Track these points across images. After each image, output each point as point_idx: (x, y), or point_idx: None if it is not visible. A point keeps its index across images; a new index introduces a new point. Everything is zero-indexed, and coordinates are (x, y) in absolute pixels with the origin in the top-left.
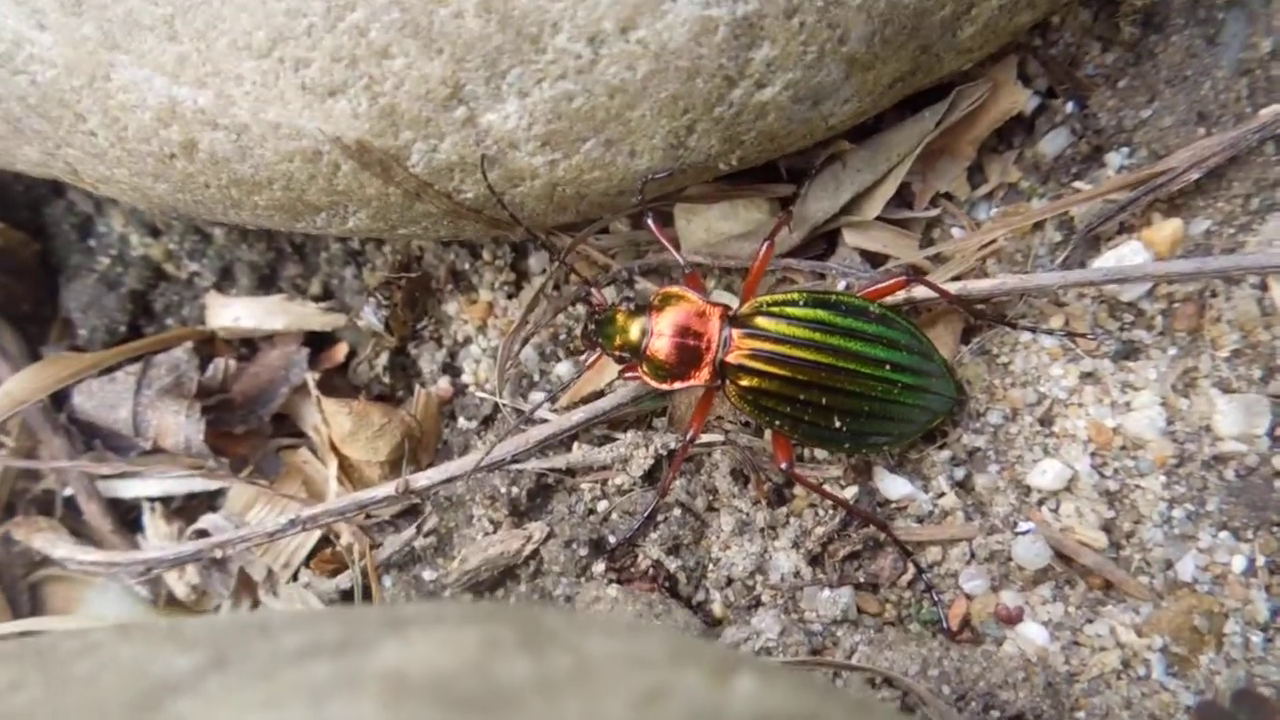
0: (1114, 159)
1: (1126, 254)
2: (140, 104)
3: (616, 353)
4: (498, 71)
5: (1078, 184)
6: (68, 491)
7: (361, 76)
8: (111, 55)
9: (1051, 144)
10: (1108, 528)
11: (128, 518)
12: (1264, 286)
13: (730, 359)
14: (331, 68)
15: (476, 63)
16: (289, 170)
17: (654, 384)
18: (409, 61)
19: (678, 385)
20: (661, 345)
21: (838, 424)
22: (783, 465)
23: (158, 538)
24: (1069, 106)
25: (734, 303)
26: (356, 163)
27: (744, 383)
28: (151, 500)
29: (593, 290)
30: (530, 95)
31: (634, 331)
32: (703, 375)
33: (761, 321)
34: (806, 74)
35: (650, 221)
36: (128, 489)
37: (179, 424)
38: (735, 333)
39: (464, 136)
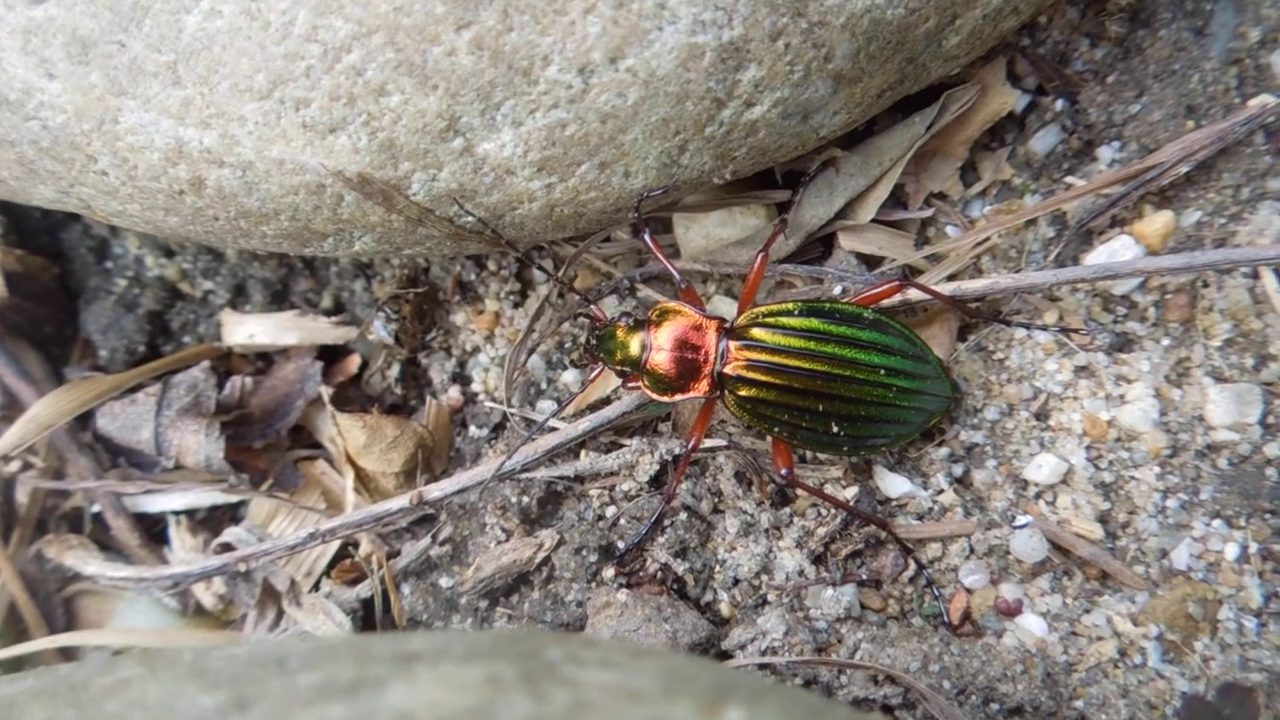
0: (1105, 154)
1: (1118, 248)
2: (148, 145)
3: (618, 367)
4: (492, 104)
5: (1070, 179)
6: (95, 508)
7: (360, 114)
8: (119, 101)
9: (1043, 141)
10: (1103, 519)
11: (154, 530)
12: (1255, 275)
13: (728, 370)
14: (331, 106)
15: (471, 96)
16: (294, 203)
17: (655, 396)
18: (405, 98)
19: (678, 397)
20: (661, 359)
21: (836, 429)
22: (783, 472)
23: (184, 550)
24: (1059, 104)
25: (732, 311)
26: (359, 194)
27: (742, 393)
28: (176, 514)
29: (592, 306)
30: (524, 124)
31: (634, 346)
32: (702, 387)
33: (757, 333)
34: (794, 91)
35: (647, 237)
36: (153, 503)
37: (199, 443)
38: (732, 344)
39: (462, 165)
